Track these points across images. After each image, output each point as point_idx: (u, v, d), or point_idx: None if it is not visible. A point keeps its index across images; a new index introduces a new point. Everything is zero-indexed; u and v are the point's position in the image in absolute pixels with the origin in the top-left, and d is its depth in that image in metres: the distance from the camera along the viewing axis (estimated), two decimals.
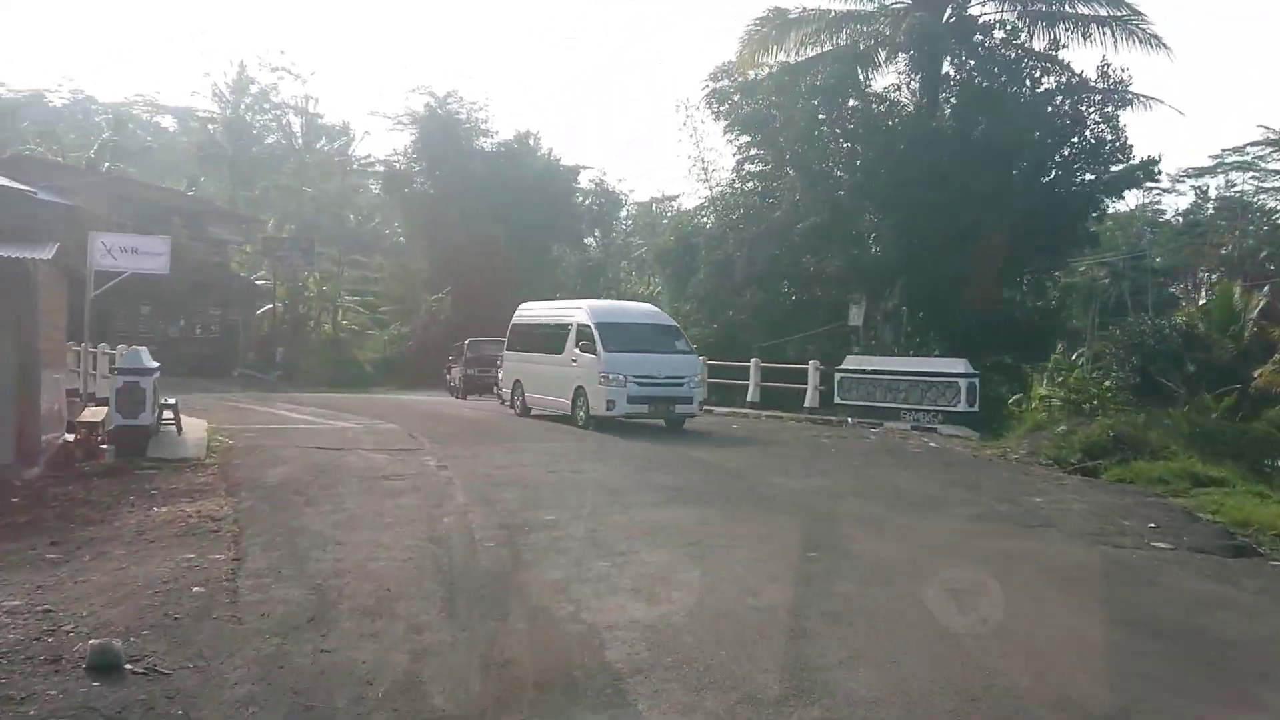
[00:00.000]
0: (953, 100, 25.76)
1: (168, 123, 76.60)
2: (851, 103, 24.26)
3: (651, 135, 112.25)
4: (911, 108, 24.68)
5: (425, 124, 49.04)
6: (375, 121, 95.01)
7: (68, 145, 46.47)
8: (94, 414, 13.65)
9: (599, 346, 18.14)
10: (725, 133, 29.75)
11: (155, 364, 14.54)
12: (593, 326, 18.55)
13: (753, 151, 29.84)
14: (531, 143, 52.48)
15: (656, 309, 21.33)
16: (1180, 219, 55.97)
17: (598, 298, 53.00)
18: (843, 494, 12.03)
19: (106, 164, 43.51)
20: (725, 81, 27.07)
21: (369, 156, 64.84)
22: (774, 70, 25.11)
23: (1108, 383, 21.41)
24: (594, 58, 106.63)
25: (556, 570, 8.12)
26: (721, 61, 28.21)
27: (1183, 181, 54.98)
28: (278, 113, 68.93)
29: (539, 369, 20.30)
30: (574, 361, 18.78)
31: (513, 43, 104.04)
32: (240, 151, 64.47)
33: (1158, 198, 56.19)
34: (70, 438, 14.00)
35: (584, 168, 56.39)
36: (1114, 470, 13.98)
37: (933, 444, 17.53)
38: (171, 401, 14.19)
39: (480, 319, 39.97)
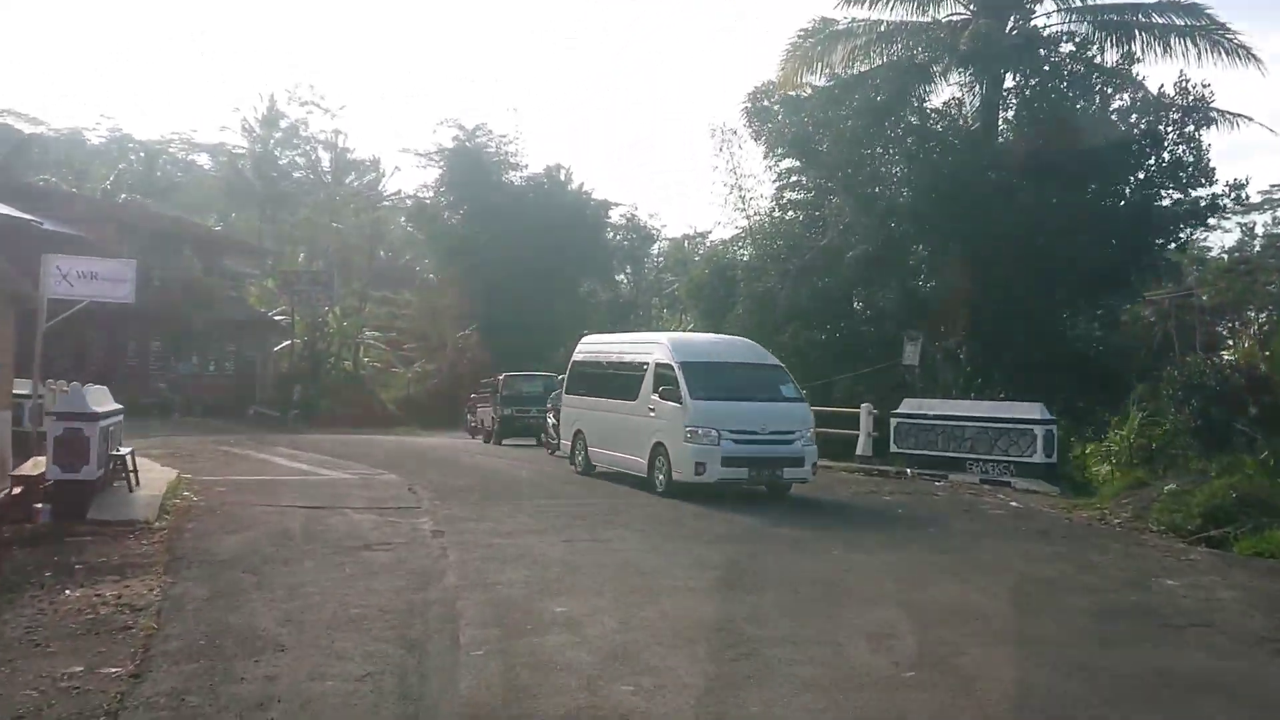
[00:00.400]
0: (1015, 118, 23.58)
1: (203, 160, 76.10)
2: (906, 120, 22.09)
3: (684, 164, 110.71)
4: (971, 126, 22.49)
5: (453, 158, 47.84)
6: (406, 158, 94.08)
7: (83, 175, 45.37)
8: (37, 465, 11.65)
9: (684, 392, 14.36)
10: (766, 156, 27.75)
11: (112, 406, 12.58)
12: (675, 366, 14.75)
13: (794, 178, 27.79)
14: (562, 176, 51.15)
15: (754, 344, 17.08)
16: (1225, 255, 53.37)
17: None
18: (927, 574, 9.71)
19: (123, 195, 42.26)
20: (767, 102, 25.02)
21: (399, 192, 63.76)
22: (820, 87, 23.04)
23: (1166, 426, 19.20)
24: (630, 88, 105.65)
25: (562, 699, 5.93)
26: (761, 81, 26.24)
27: (1228, 219, 52.41)
28: (307, 148, 68.19)
29: (606, 418, 16.60)
30: (651, 411, 15.06)
31: (544, 74, 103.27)
32: (269, 186, 63.58)
33: (1204, 234, 53.60)
34: (17, 490, 11.99)
35: (615, 204, 54.90)
36: (1247, 541, 11.54)
37: (1013, 503, 15.15)
38: (124, 451, 12.21)
39: (508, 357, 38.47)
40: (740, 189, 30.28)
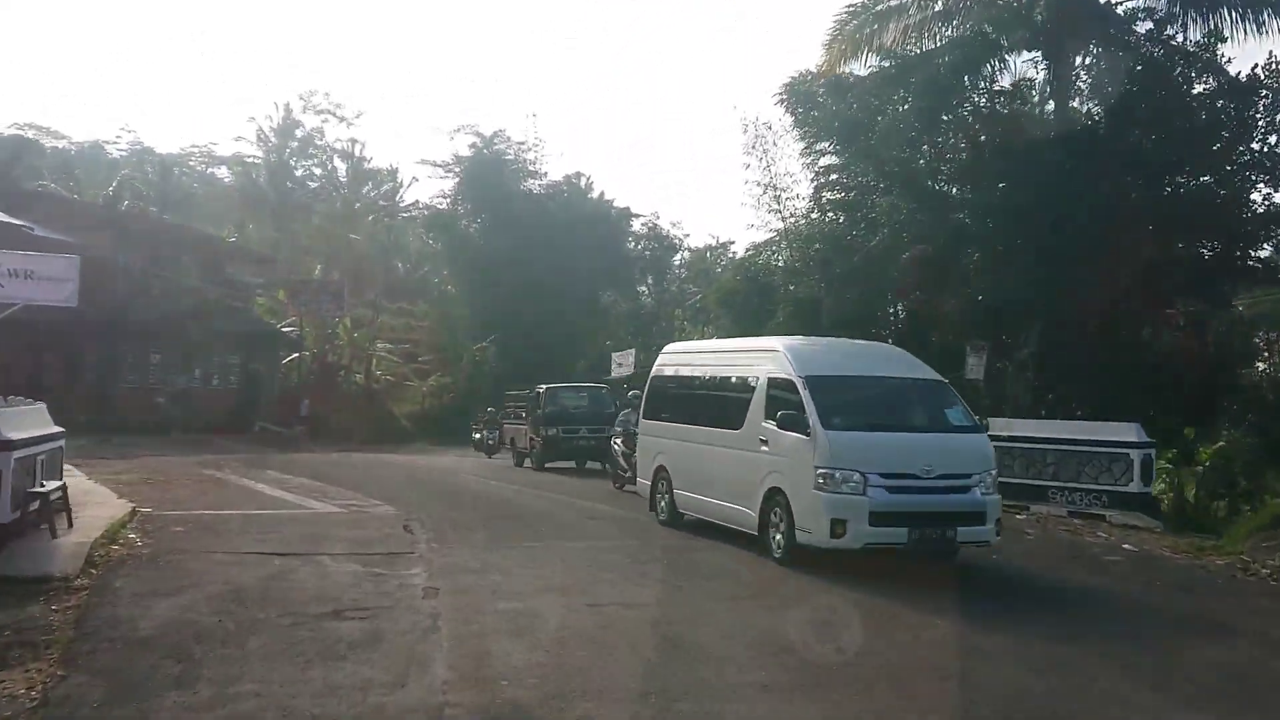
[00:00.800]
0: (1088, 104, 21.28)
1: (222, 173, 74.83)
2: (969, 103, 19.78)
3: (706, 167, 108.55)
4: (1041, 110, 20.17)
5: (471, 166, 46.32)
6: (423, 169, 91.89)
7: (86, 184, 43.78)
8: None
9: (813, 419, 10.37)
10: (804, 154, 25.48)
11: (45, 429, 10.43)
12: (798, 382, 10.81)
13: (833, 176, 25.50)
14: (583, 184, 49.57)
15: (903, 351, 13.08)
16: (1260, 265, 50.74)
17: (650, 349, 48.43)
18: (1076, 666, 7.33)
19: (126, 202, 40.45)
20: (809, 88, 22.66)
21: (416, 202, 62.25)
22: (871, 71, 20.66)
23: (1220, 443, 17.33)
24: (644, 89, 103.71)
25: None
26: (797, 71, 23.93)
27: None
28: (323, 157, 66.77)
29: (699, 452, 12.68)
30: (763, 444, 11.13)
31: (561, 78, 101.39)
32: (285, 196, 62.10)
33: None
34: None
35: (636, 215, 53.22)
36: None
37: (1125, 544, 12.72)
38: (51, 486, 9.99)
39: (527, 369, 36.64)
40: (775, 188, 27.96)
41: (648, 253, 57.73)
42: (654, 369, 14.91)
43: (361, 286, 45.95)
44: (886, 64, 20.15)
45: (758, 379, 11.63)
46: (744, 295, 27.69)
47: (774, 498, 10.76)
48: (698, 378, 13.51)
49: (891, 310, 24.45)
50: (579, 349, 45.74)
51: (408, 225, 59.36)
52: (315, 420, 38.00)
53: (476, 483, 19.11)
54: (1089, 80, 21.47)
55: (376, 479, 18.31)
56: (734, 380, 12.34)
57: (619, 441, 17.90)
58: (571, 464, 22.31)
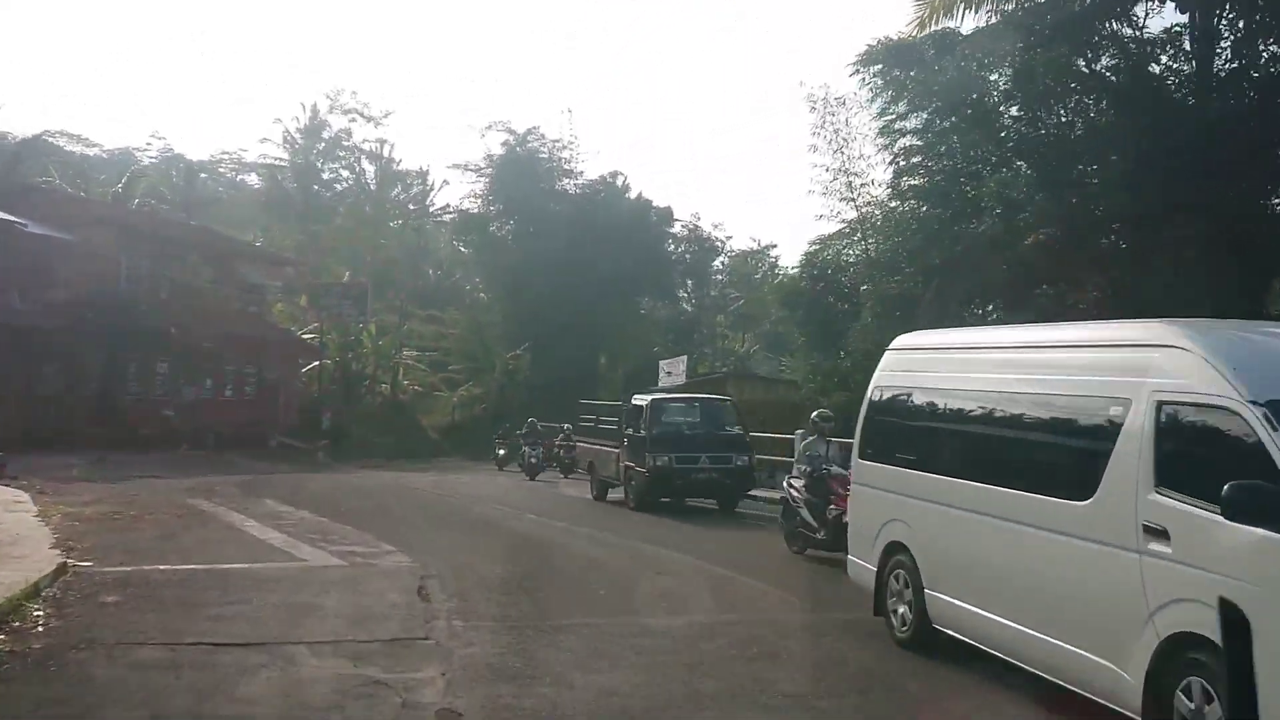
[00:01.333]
0: (1229, 64, 17.96)
1: (252, 180, 73.21)
2: (1110, 55, 16.48)
3: (746, 166, 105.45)
4: (1189, 67, 16.85)
5: (502, 165, 43.92)
6: (453, 173, 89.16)
7: (91, 182, 41.64)
8: None
9: None
10: (881, 135, 22.22)
11: None
12: (1255, 416, 5.08)
13: (915, 159, 22.19)
14: (620, 184, 46.82)
15: None
16: None
17: (691, 356, 44.64)
18: None
19: (136, 201, 38.11)
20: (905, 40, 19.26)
21: (447, 206, 60.08)
22: (989, 12, 17.31)
23: None
24: (682, 85, 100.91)
25: None
26: (874, 39, 20.58)
27: None
28: (351, 159, 64.63)
29: (978, 528, 6.95)
30: (1152, 536, 5.45)
31: (573, 78, 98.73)
32: (311, 199, 59.96)
33: None
34: None
35: (678, 220, 50.66)
36: None
37: None
38: None
39: (562, 380, 34.84)
40: (847, 173, 24.80)
41: (688, 256, 55.08)
42: (877, 377, 8.83)
43: (387, 291, 43.63)
44: (1009, 6, 16.82)
45: (1129, 403, 5.86)
46: (812, 294, 24.62)
47: (1186, 654, 5.18)
48: (973, 396, 7.43)
49: (989, 308, 21.16)
50: (617, 358, 43.41)
51: (438, 230, 57.14)
52: (337, 433, 35.48)
53: (518, 519, 15.46)
54: (1231, 37, 18.17)
55: (393, 511, 15.27)
56: (1063, 405, 6.51)
57: (798, 485, 12.47)
58: (669, 498, 17.07)
